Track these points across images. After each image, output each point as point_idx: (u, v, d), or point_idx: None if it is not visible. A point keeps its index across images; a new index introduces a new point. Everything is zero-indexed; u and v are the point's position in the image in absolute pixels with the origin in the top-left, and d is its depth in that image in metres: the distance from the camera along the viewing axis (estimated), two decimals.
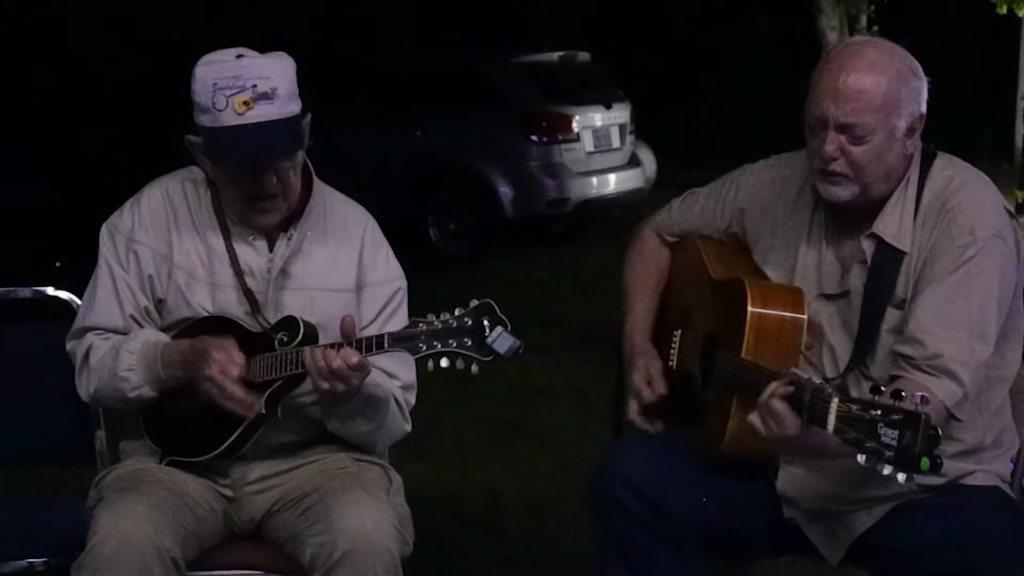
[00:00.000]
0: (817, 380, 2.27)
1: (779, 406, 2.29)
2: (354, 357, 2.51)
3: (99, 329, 2.76)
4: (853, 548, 2.58)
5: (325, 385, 2.54)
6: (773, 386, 2.32)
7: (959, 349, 2.43)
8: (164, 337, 2.72)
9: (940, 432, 2.06)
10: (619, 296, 3.02)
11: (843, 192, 2.54)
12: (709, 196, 2.89)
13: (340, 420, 2.71)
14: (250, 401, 2.60)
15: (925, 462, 2.03)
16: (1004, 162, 12.23)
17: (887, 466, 2.06)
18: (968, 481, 2.56)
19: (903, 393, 2.08)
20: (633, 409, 2.83)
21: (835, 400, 2.17)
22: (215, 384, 2.59)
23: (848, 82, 2.46)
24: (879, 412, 2.08)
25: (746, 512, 2.66)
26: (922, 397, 2.07)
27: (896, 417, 2.06)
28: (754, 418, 2.35)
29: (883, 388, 2.12)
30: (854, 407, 2.12)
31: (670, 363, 2.87)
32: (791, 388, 2.29)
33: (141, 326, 2.75)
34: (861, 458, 2.08)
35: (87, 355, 2.75)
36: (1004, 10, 11.49)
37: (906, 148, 2.54)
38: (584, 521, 4.12)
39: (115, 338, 2.73)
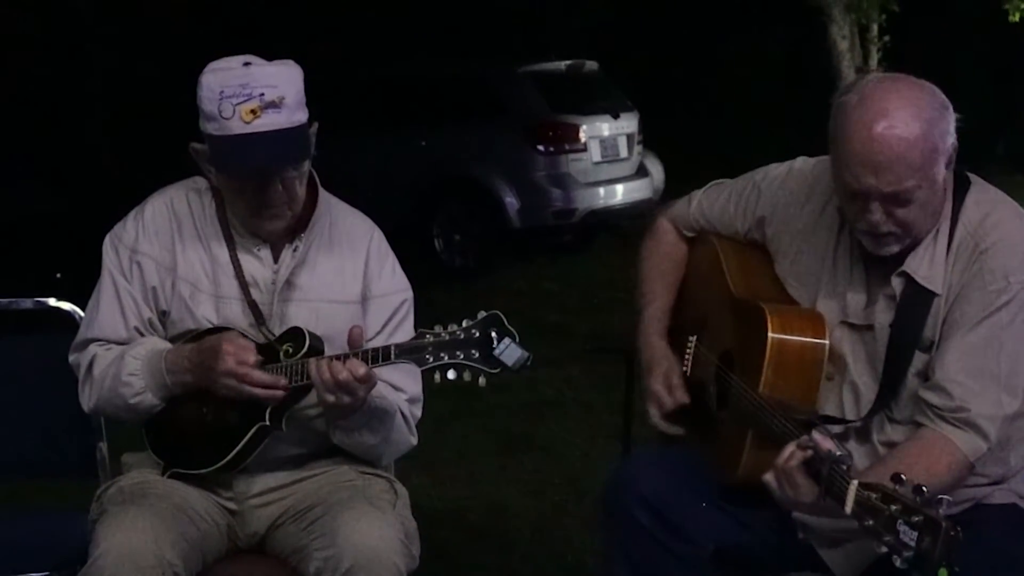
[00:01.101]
0: (838, 452, 2.24)
1: (798, 476, 2.28)
2: (361, 369, 2.51)
3: (102, 340, 2.76)
4: (869, 571, 2.55)
5: (331, 398, 2.54)
6: (791, 450, 2.30)
7: (986, 403, 2.39)
8: (170, 345, 2.72)
9: (960, 533, 2.02)
10: (635, 288, 2.96)
11: (894, 248, 2.46)
12: (731, 196, 2.81)
13: (345, 433, 2.70)
14: (275, 380, 2.59)
15: (943, 573, 2.01)
16: (1018, 173, 12.22)
17: (904, 563, 2.04)
18: (987, 500, 2.54)
19: (924, 489, 2.04)
20: (655, 414, 2.78)
21: (855, 483, 2.14)
22: (234, 375, 2.58)
23: (883, 148, 2.32)
24: (899, 508, 2.05)
25: (760, 531, 2.63)
26: (943, 500, 2.03)
27: (916, 519, 2.02)
28: (769, 478, 2.34)
29: (903, 477, 2.08)
30: (874, 496, 2.09)
31: (684, 369, 2.84)
32: (810, 453, 2.27)
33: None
34: (882, 548, 2.06)
35: (90, 366, 2.74)
36: (1016, 18, 11.49)
37: (946, 183, 2.45)
38: (592, 536, 4.12)
39: (119, 347, 2.73)
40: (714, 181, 2.90)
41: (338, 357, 2.55)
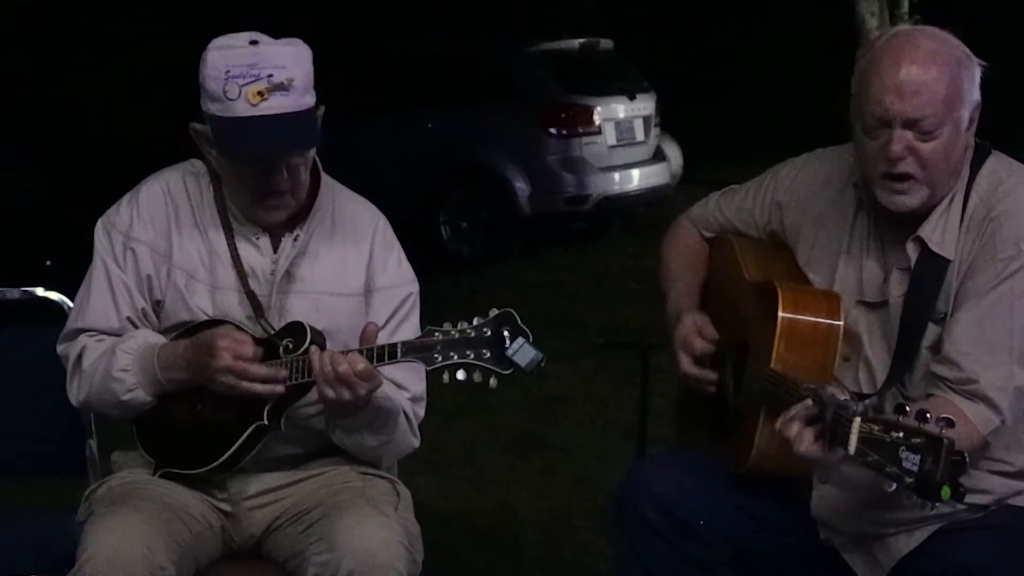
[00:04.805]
0: (842, 397, 2.26)
1: (795, 428, 2.29)
2: (360, 364, 2.51)
3: (93, 331, 2.76)
4: (894, 572, 2.57)
5: (330, 392, 2.54)
6: (794, 409, 2.32)
7: (997, 375, 2.42)
8: (163, 339, 2.72)
9: (967, 458, 2.05)
10: (658, 280, 2.99)
11: (911, 199, 2.50)
12: (748, 191, 2.89)
13: (345, 432, 2.70)
14: (275, 373, 2.58)
15: (946, 491, 2.03)
16: None
17: (909, 493, 2.05)
18: (1016, 502, 2.55)
19: (928, 415, 2.07)
20: (685, 361, 2.78)
21: (857, 420, 2.16)
22: (233, 371, 2.57)
23: (911, 74, 2.43)
24: (901, 435, 2.07)
25: (780, 532, 2.65)
26: (947, 420, 2.06)
27: (917, 441, 2.05)
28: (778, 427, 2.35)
29: (908, 408, 2.11)
30: (876, 428, 2.12)
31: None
32: (814, 410, 2.28)
33: (137, 328, 2.75)
34: (885, 484, 2.08)
35: (80, 357, 2.74)
36: None
37: (967, 141, 2.52)
38: (604, 539, 4.12)
39: (111, 339, 2.73)
40: (730, 186, 2.97)
41: (343, 353, 2.54)
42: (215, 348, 2.58)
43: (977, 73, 2.51)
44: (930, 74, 2.43)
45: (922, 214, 2.54)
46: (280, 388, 2.60)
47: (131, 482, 2.73)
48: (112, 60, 14.05)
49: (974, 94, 2.50)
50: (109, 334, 2.75)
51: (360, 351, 2.53)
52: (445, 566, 3.88)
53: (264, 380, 2.59)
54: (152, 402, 2.70)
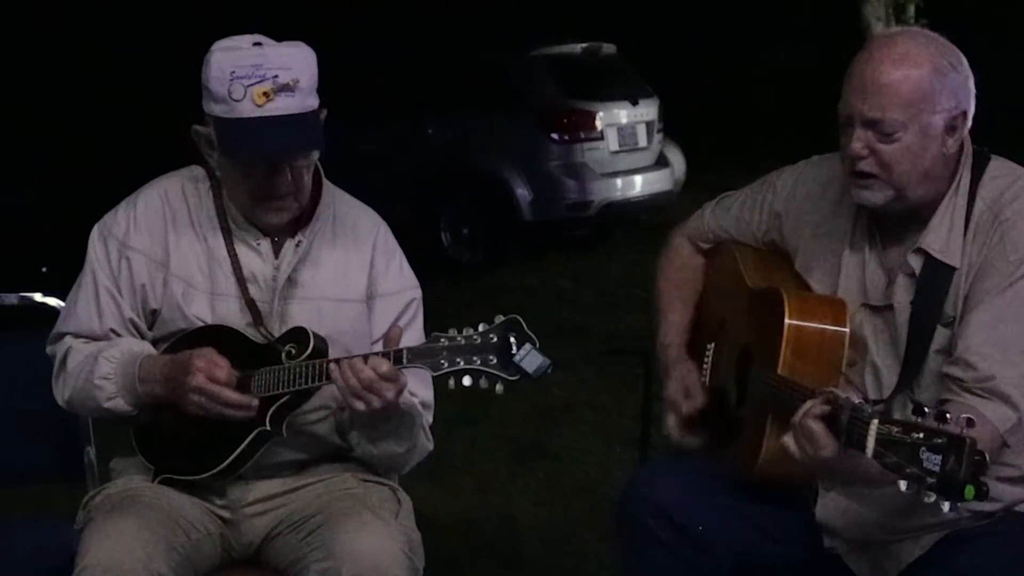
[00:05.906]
0: (856, 400, 2.28)
1: (814, 426, 2.29)
2: (383, 366, 2.50)
3: (77, 334, 2.78)
4: None
5: (360, 405, 2.52)
6: (808, 405, 2.33)
7: (1013, 372, 2.43)
8: (148, 348, 2.73)
9: (988, 458, 2.06)
10: (651, 305, 3.03)
11: (875, 196, 2.54)
12: (745, 201, 2.90)
13: (372, 443, 2.70)
14: (247, 401, 2.59)
15: (970, 490, 2.03)
16: None
17: (930, 494, 2.06)
18: (1020, 508, 2.56)
19: (948, 415, 2.08)
20: (671, 422, 2.84)
21: (875, 422, 2.17)
22: (205, 393, 2.58)
23: (875, 75, 2.47)
24: (921, 435, 2.08)
25: (783, 540, 2.65)
26: (968, 419, 2.07)
27: (939, 441, 2.05)
28: (788, 439, 2.35)
29: (927, 409, 2.12)
30: (895, 429, 2.12)
31: (703, 379, 2.88)
32: (827, 408, 2.29)
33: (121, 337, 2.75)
34: (903, 485, 2.09)
35: (65, 359, 2.76)
36: None
37: (946, 148, 2.53)
38: (606, 547, 4.12)
39: (96, 344, 2.74)
40: (723, 194, 2.98)
41: (349, 359, 2.54)
42: (190, 367, 2.59)
43: (964, 82, 2.51)
44: (894, 76, 2.46)
45: (921, 218, 2.55)
46: (251, 414, 2.60)
47: (129, 489, 2.73)
48: (112, 62, 14.07)
49: (953, 102, 2.50)
50: (93, 339, 2.76)
51: (364, 358, 2.53)
52: (446, 574, 3.89)
53: (236, 406, 2.59)
54: (133, 411, 2.71)
